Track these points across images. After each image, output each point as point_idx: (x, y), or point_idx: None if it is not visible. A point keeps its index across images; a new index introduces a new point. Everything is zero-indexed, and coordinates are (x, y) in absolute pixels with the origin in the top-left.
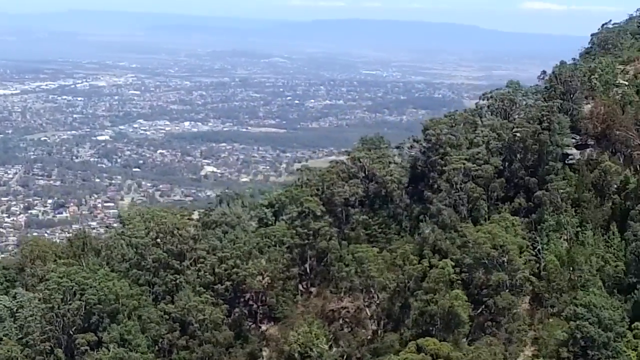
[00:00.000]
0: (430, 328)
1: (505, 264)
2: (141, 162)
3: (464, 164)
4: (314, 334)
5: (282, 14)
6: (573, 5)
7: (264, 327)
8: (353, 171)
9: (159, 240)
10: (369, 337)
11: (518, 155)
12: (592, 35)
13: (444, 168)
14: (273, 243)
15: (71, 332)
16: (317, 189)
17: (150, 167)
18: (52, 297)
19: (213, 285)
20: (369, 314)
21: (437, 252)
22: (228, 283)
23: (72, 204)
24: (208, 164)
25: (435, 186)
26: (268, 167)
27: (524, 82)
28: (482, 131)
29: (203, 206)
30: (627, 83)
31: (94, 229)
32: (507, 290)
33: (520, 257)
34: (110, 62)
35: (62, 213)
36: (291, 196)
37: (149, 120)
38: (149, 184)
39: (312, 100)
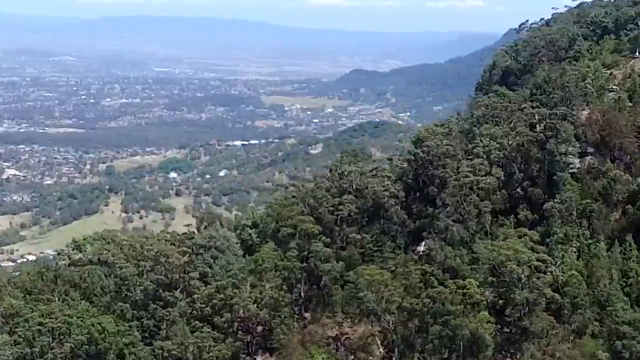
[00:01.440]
0: (452, 353)
1: (525, 280)
2: None
3: (468, 176)
4: None
5: (68, 11)
6: (360, 1)
7: (259, 359)
8: (345, 186)
9: (143, 268)
10: None
11: (522, 166)
12: (538, 37)
13: (446, 181)
14: (269, 268)
15: None
16: (306, 207)
17: None
18: (37, 340)
19: (210, 318)
20: (378, 340)
21: (446, 271)
22: (228, 315)
23: None
24: (9, 167)
25: (438, 201)
26: (72, 169)
27: (319, 77)
28: (481, 141)
29: (10, 211)
30: (618, 88)
31: None
32: (527, 309)
33: (543, 273)
34: None
35: None
36: (277, 215)
37: None
38: None
39: (108, 99)
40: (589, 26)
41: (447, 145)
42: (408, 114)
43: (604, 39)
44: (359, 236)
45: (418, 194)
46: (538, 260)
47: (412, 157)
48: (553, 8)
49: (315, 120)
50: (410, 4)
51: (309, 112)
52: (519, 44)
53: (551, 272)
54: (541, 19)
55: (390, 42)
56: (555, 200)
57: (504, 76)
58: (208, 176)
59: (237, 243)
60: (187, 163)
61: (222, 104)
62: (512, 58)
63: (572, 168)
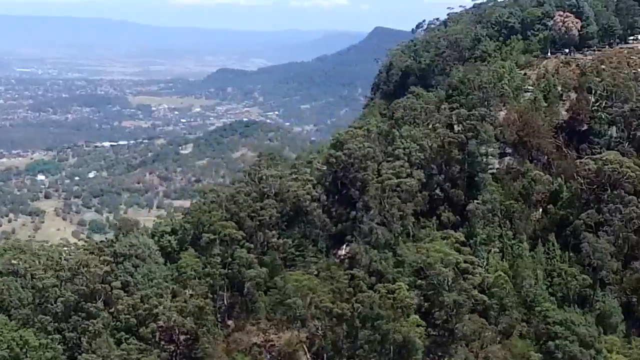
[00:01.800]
0: (381, 357)
1: (451, 282)
2: None
3: (391, 178)
4: None
5: None
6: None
7: None
8: (265, 190)
9: (62, 279)
10: None
11: (442, 167)
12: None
13: (368, 184)
14: (192, 275)
15: None
16: (226, 212)
17: None
18: None
19: (135, 328)
20: (305, 346)
21: (372, 274)
22: (153, 325)
23: None
24: None
25: (360, 204)
26: None
27: (185, 77)
28: (402, 142)
29: None
30: (533, 88)
31: None
32: (454, 311)
33: (470, 274)
34: None
35: None
36: (197, 221)
37: None
38: None
39: None
40: (493, 26)
41: (368, 147)
42: (276, 112)
43: (511, 39)
44: (280, 241)
45: (337, 197)
46: (465, 262)
47: (334, 160)
48: (448, 8)
49: (183, 120)
50: (274, 3)
51: (176, 112)
52: (418, 43)
53: (479, 273)
54: (436, 19)
55: (255, 41)
56: (477, 201)
57: (404, 76)
58: (77, 178)
59: (157, 250)
60: (55, 165)
61: (88, 105)
62: (412, 58)
63: (491, 169)
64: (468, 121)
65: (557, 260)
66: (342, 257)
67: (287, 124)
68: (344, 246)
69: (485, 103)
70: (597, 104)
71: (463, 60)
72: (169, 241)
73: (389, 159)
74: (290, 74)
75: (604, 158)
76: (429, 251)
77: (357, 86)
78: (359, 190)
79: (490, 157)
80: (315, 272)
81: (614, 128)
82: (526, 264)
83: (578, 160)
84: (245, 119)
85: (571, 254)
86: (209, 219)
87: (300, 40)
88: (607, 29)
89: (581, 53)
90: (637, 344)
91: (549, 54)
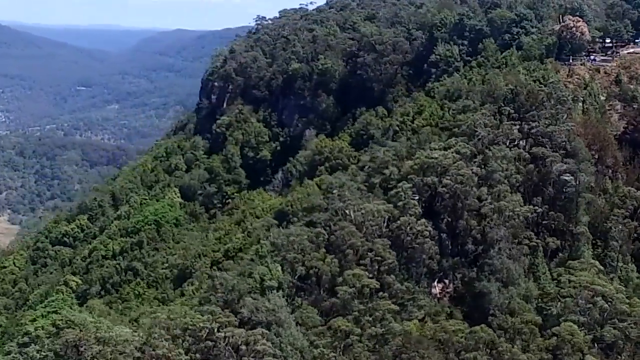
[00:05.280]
0: None
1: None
2: None
3: (506, 207)
4: None
5: None
6: None
7: None
8: (375, 229)
9: None
10: None
11: (544, 189)
12: None
13: (479, 213)
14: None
15: None
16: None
17: None
18: None
19: None
20: None
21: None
22: None
23: None
24: None
25: (477, 235)
26: None
27: None
28: (499, 164)
29: None
30: (582, 97)
31: None
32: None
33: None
34: None
35: None
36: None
37: None
38: None
39: None
40: (438, 29)
41: (470, 172)
42: None
43: (483, 43)
44: (404, 287)
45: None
46: (618, 292)
47: (443, 188)
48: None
49: None
50: None
51: None
52: (297, 44)
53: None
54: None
55: None
56: (580, 222)
57: (288, 80)
58: None
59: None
60: None
61: None
62: (295, 60)
63: (570, 186)
64: (556, 137)
65: None
66: (437, 295)
67: None
68: (435, 283)
69: (557, 117)
70: None
71: (402, 64)
72: (279, 297)
73: (488, 183)
74: None
75: None
76: (575, 283)
77: None
78: (466, 221)
79: (582, 174)
80: (421, 317)
81: None
82: None
83: None
84: None
85: None
86: (328, 269)
87: None
88: (613, 33)
89: (594, 59)
90: None
91: (571, 59)
